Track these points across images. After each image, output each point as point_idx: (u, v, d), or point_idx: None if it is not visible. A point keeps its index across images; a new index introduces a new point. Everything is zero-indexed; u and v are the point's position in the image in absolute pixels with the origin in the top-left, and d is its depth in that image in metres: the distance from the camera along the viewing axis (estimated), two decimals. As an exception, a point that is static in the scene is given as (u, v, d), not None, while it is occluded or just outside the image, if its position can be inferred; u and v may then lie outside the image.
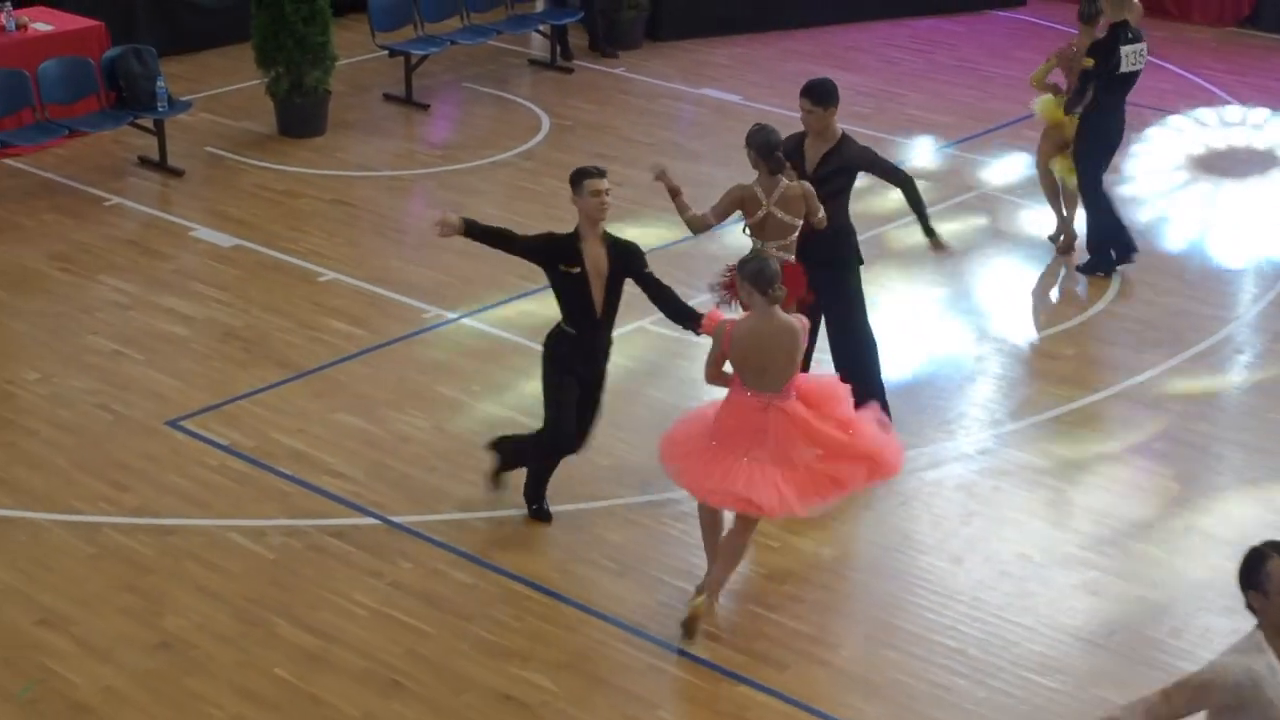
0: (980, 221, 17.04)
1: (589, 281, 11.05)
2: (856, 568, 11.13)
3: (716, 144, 18.51)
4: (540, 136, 19.14)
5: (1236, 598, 10.88)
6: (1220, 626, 10.70)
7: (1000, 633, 10.62)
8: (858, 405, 10.66)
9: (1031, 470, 12.42)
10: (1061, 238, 16.14)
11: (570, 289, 11.16)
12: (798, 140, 12.41)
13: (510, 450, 11.78)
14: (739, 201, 11.94)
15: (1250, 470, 12.64)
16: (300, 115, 18.85)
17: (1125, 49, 14.82)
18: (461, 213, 16.47)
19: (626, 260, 11.11)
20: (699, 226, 11.99)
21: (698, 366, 13.26)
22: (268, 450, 12.41)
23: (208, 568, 11.04)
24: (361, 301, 14.90)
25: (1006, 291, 15.54)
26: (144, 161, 17.96)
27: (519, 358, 13.87)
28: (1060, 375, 13.91)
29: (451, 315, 14.64)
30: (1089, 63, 14.88)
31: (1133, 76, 15.11)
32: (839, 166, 12.28)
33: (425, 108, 20.01)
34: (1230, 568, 11.09)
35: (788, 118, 18.76)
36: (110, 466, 12.18)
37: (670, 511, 11.81)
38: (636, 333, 13.94)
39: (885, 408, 11.30)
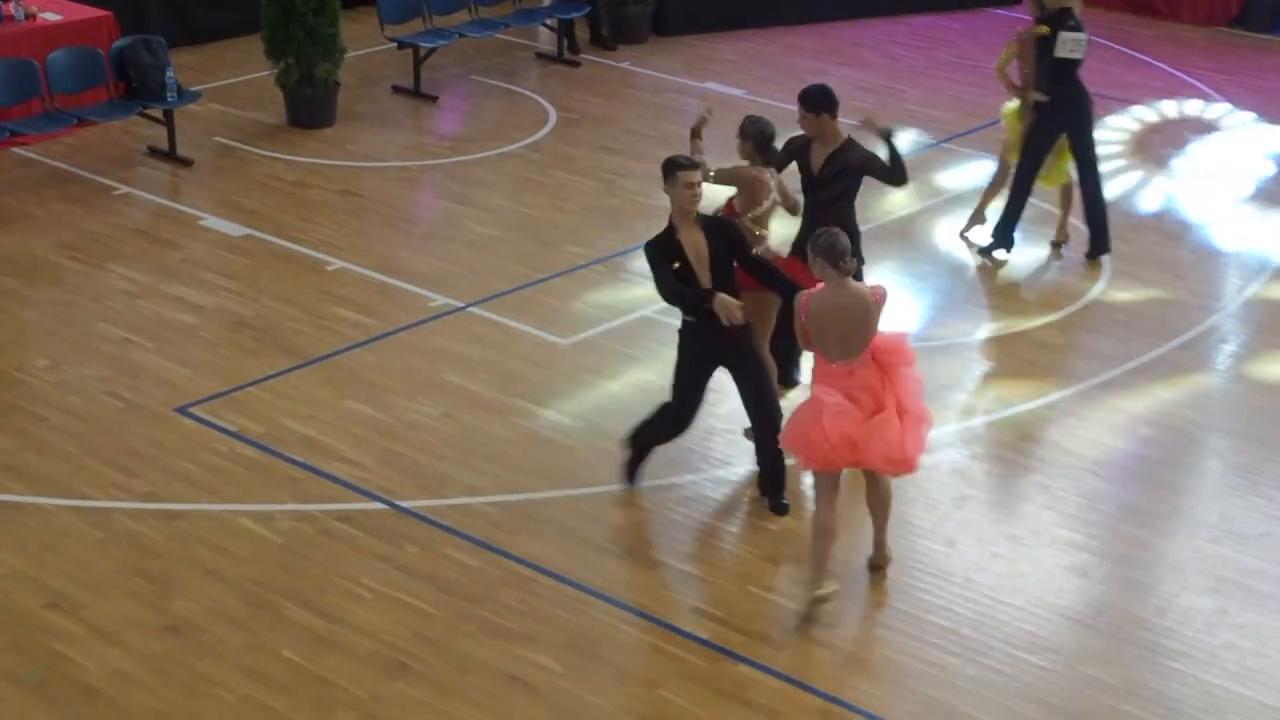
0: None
1: (694, 270, 11.21)
2: (853, 550, 11.30)
3: (721, 137, 18.62)
4: (547, 129, 19.31)
5: (1219, 578, 11.20)
6: (1203, 606, 10.93)
7: (992, 613, 10.83)
8: None
9: (1023, 455, 12.61)
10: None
11: (681, 279, 11.28)
12: (804, 143, 12.61)
13: (642, 443, 12.06)
14: (744, 181, 12.20)
15: (1234, 455, 12.83)
16: (310, 106, 19.03)
17: (1064, 34, 15.09)
18: (470, 203, 16.83)
19: (726, 240, 11.29)
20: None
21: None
22: (277, 436, 12.62)
23: (216, 552, 11.23)
24: (370, 290, 15.10)
25: (1000, 282, 15.72)
26: (153, 151, 18.14)
27: (526, 346, 14.08)
28: (1051, 364, 14.10)
29: (459, 304, 14.83)
30: (1044, 29, 15.19)
31: (1072, 64, 15.40)
32: (842, 168, 12.47)
33: (433, 100, 20.18)
34: (1213, 550, 11.40)
35: (791, 112, 18.98)
36: (120, 452, 12.37)
37: (674, 496, 12.01)
38: (639, 321, 14.15)
39: None
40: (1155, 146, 19.53)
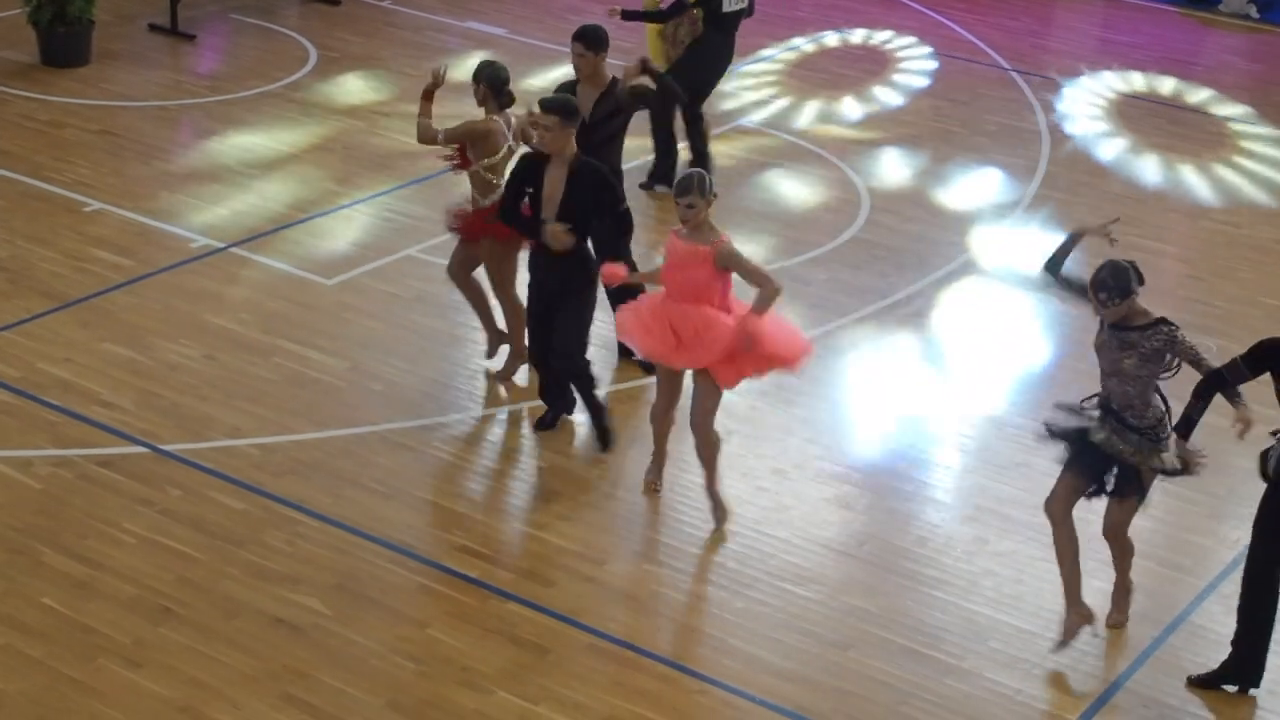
0: (740, 150, 17.35)
1: (541, 203, 11.33)
2: (625, 486, 11.38)
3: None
4: (308, 68, 19.09)
5: (978, 507, 11.44)
6: (962, 535, 11.18)
7: (757, 545, 10.95)
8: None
9: (787, 390, 12.71)
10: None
11: (531, 206, 11.45)
12: (570, 87, 12.58)
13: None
14: (475, 135, 12.20)
15: (1001, 392, 13.06)
16: (63, 45, 18.63)
17: None
18: (230, 143, 16.61)
19: (589, 193, 11.31)
20: (425, 136, 12.34)
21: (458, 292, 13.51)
22: (34, 380, 12.39)
23: (-27, 499, 11.07)
24: (129, 232, 14.86)
25: (763, 220, 15.84)
26: (-97, 92, 17.74)
27: (290, 287, 13.95)
28: (812, 299, 14.22)
29: (220, 245, 14.64)
30: None
31: (735, 16, 15.97)
32: (612, 110, 12.52)
33: (191, 38, 19.85)
34: (971, 480, 11.64)
35: (553, 51, 19.05)
36: (-126, 399, 12.13)
37: (439, 435, 12.00)
38: (403, 260, 14.08)
39: None
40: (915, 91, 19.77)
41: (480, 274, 12.61)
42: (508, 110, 12.31)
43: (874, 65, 20.26)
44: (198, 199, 15.55)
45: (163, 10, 20.04)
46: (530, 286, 11.66)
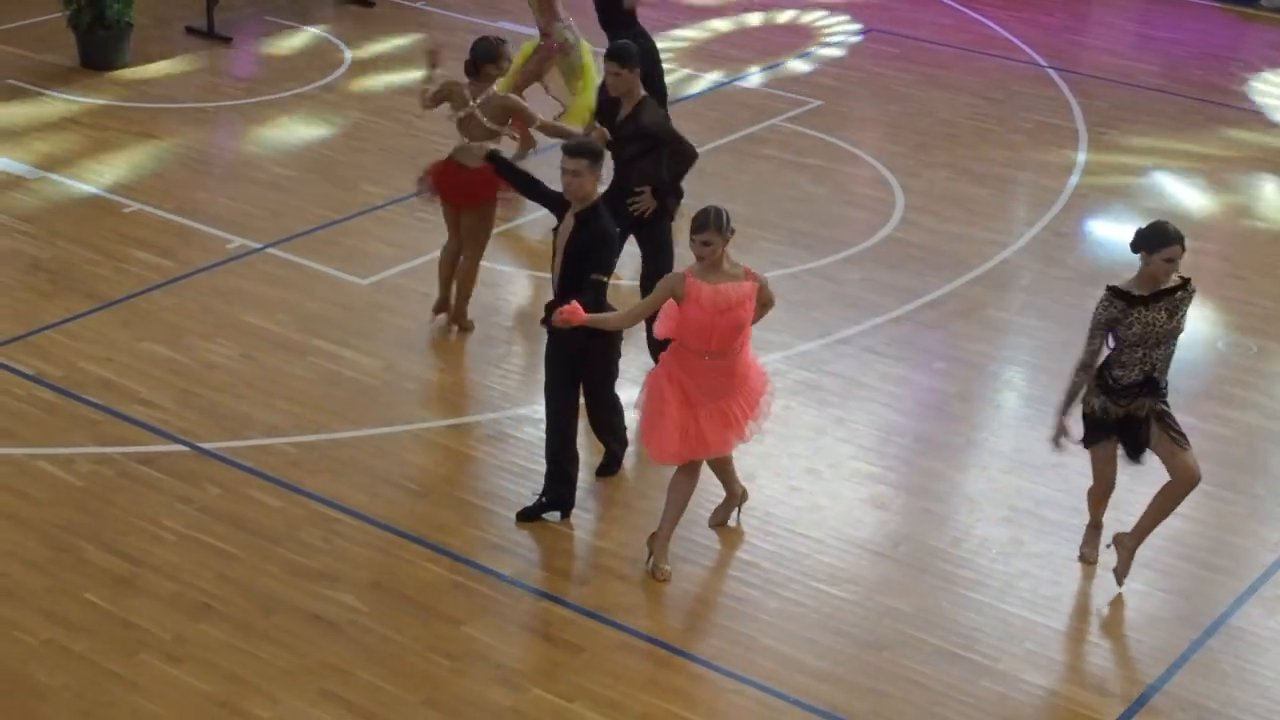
0: (771, 151, 17.38)
1: (555, 250, 10.88)
2: (657, 485, 11.41)
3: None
4: (342, 70, 19.18)
5: (1013, 508, 11.44)
6: (998, 536, 11.17)
7: (791, 545, 10.99)
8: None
9: (820, 390, 12.78)
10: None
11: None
12: (613, 104, 12.50)
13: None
14: (446, 95, 12.86)
15: (1026, 387, 13.10)
16: (102, 48, 18.75)
17: None
18: (266, 145, 16.69)
19: (582, 241, 10.73)
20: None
21: (499, 294, 13.57)
22: (75, 379, 12.48)
23: (16, 496, 11.11)
24: (168, 232, 14.95)
25: (796, 215, 15.87)
26: (-57, 94, 17.86)
27: (326, 287, 14.02)
28: (847, 299, 14.26)
29: (257, 245, 14.73)
30: None
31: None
32: (635, 131, 12.35)
33: (228, 41, 19.96)
34: (1007, 481, 11.64)
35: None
36: (-84, 398, 12.22)
37: (474, 434, 12.05)
38: (434, 263, 14.14)
39: None
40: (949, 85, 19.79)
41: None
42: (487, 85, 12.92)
43: (908, 63, 20.28)
44: (235, 200, 15.63)
45: (199, 13, 20.15)
46: (548, 354, 11.03)
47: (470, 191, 12.92)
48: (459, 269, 13.27)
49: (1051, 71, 20.17)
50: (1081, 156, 17.63)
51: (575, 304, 10.01)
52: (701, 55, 20.25)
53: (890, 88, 19.45)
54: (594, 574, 10.65)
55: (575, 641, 10.03)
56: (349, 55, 19.61)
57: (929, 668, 9.93)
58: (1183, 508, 10.53)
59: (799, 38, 21.02)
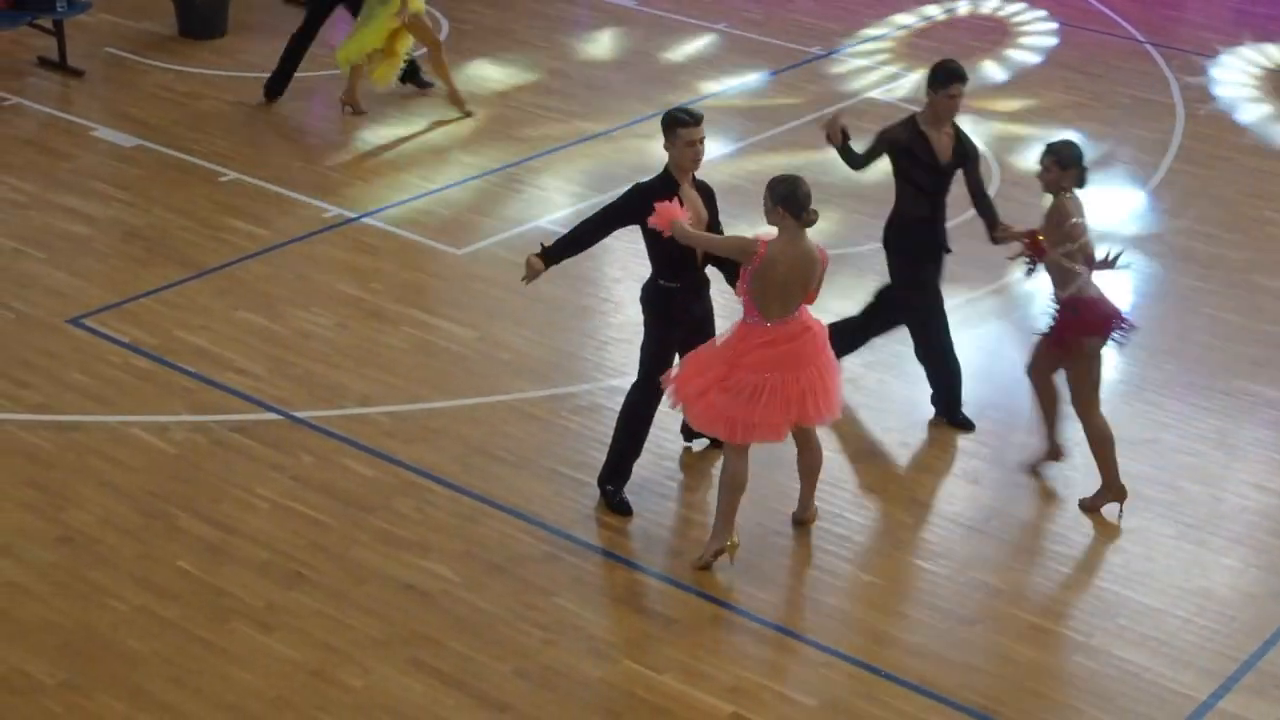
0: (869, 123, 17.29)
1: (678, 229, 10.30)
2: (753, 458, 11.38)
3: (612, 48, 18.70)
4: (440, 38, 19.18)
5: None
6: (1092, 512, 11.12)
7: (884, 520, 10.97)
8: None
9: (914, 364, 12.63)
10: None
11: (670, 240, 10.27)
12: (913, 130, 11.59)
13: (610, 460, 11.10)
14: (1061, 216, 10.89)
15: (1121, 362, 12.95)
16: (201, 16, 18.84)
17: None
18: (361, 114, 16.74)
19: (712, 205, 10.71)
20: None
21: (597, 265, 13.56)
22: (170, 347, 12.56)
23: (110, 463, 11.20)
24: (263, 201, 15.02)
25: (878, 197, 15.75)
26: (43, 62, 17.93)
27: (420, 256, 14.07)
28: (945, 274, 14.11)
29: (353, 214, 14.78)
30: None
31: None
32: (963, 155, 11.68)
33: (326, 9, 20.00)
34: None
35: (679, 23, 19.08)
36: (12, 364, 12.29)
37: (568, 405, 12.06)
38: (533, 231, 14.12)
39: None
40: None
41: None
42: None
43: (1002, 36, 20.12)
44: (331, 169, 15.70)
45: (298, -18, 20.21)
46: (674, 333, 10.79)
47: None
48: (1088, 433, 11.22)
49: (1149, 47, 19.96)
50: (1179, 132, 17.44)
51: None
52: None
53: (985, 60, 19.29)
54: (686, 546, 10.63)
55: (666, 613, 10.03)
56: (446, 25, 19.61)
57: (1021, 643, 9.87)
58: (1275, 484, 10.40)
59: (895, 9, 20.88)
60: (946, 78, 11.44)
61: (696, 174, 10.61)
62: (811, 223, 9.97)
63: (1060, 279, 10.84)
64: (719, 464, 10.90)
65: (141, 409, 11.82)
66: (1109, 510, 11.02)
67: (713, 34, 19.61)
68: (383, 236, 14.42)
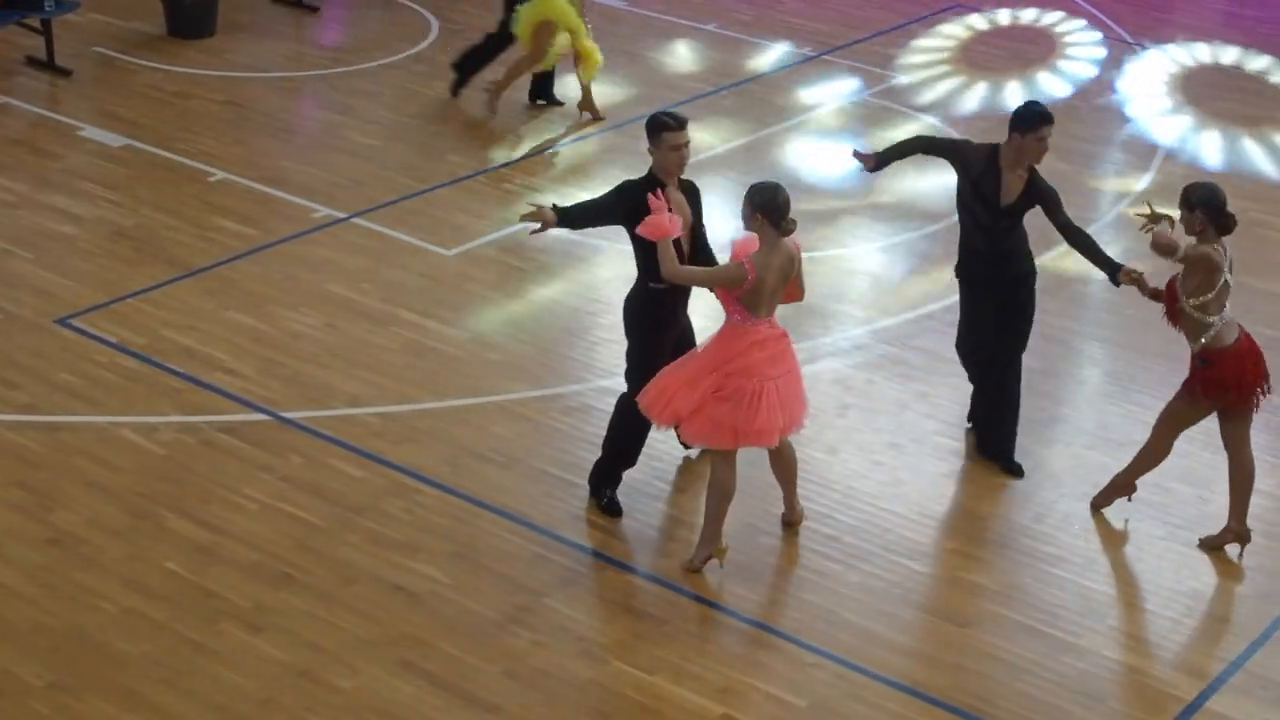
0: (858, 129, 17.30)
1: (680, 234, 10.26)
2: (741, 459, 11.36)
3: (601, 48, 18.61)
4: (429, 40, 19.19)
5: (1095, 484, 11.34)
6: (1080, 512, 11.10)
7: (873, 520, 10.94)
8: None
9: (903, 364, 12.71)
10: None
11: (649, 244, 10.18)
12: (989, 163, 11.20)
13: (603, 466, 11.04)
14: (1201, 264, 10.43)
15: (1110, 363, 13.01)
16: (190, 16, 18.81)
17: None
18: (352, 114, 16.72)
19: (697, 206, 10.60)
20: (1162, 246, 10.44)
21: (587, 266, 13.56)
22: (158, 348, 12.54)
23: (98, 464, 11.18)
24: (252, 201, 15.00)
25: (882, 193, 15.78)
26: (31, 61, 17.89)
27: (409, 257, 14.04)
28: (930, 273, 14.19)
29: (342, 215, 14.76)
30: None
31: None
32: (1032, 200, 11.23)
33: (314, 10, 19.97)
34: (1091, 456, 11.54)
35: (669, 23, 19.05)
36: None
37: (558, 406, 12.05)
38: (523, 231, 14.10)
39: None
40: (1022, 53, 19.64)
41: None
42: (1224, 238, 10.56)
43: (994, 37, 20.12)
44: (320, 169, 15.68)
45: (287, -18, 20.19)
46: (664, 337, 10.75)
47: None
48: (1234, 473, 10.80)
49: (1139, 48, 19.96)
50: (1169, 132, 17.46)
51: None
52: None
53: (974, 62, 19.30)
54: (676, 547, 10.63)
55: (657, 614, 10.03)
56: (436, 25, 19.60)
57: (1010, 643, 9.87)
58: (1264, 485, 10.40)
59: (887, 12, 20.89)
60: (1035, 120, 10.95)
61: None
62: (790, 231, 9.95)
63: (1191, 330, 10.51)
64: (706, 473, 10.94)
65: (130, 409, 11.80)
66: (1231, 550, 10.86)
67: (703, 34, 19.60)
68: (372, 237, 14.41)
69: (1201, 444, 11.56)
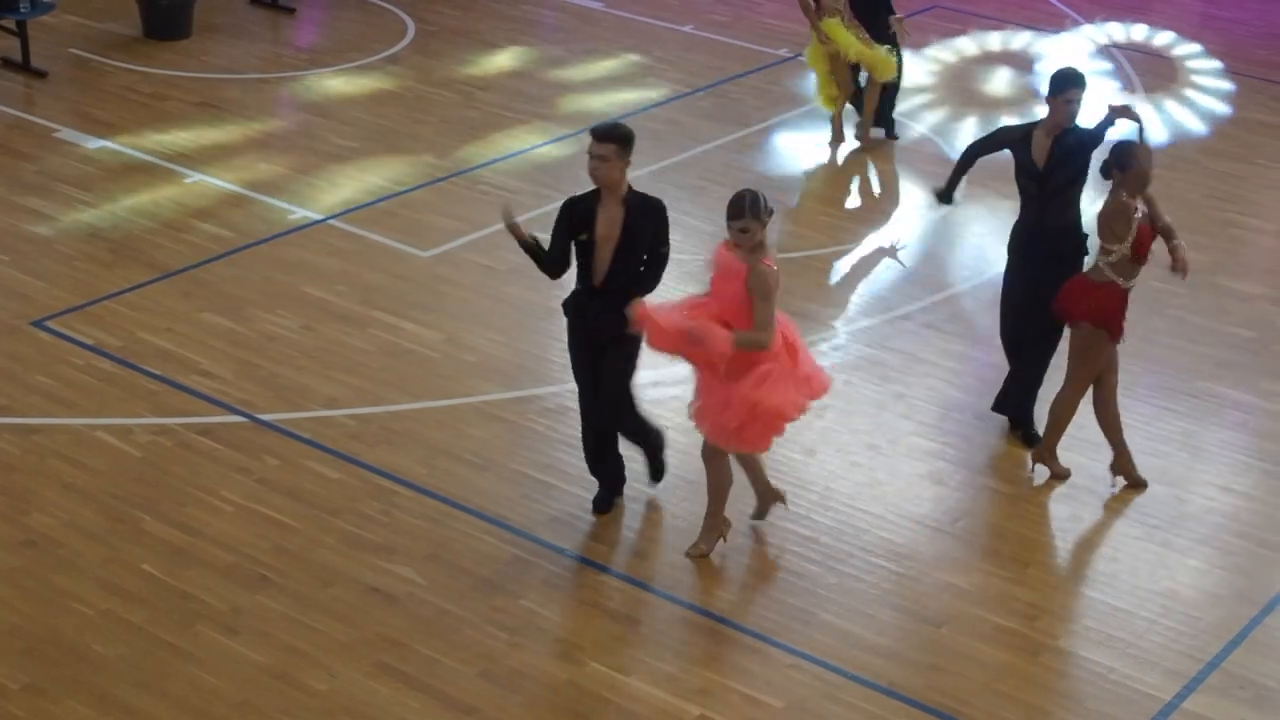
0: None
1: (596, 247, 10.27)
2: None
3: (577, 50, 18.68)
4: (406, 41, 19.17)
5: (1074, 484, 11.36)
6: (1057, 513, 11.11)
7: (850, 521, 10.94)
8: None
9: (882, 365, 12.72)
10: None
11: (580, 251, 10.36)
12: (1026, 130, 11.65)
13: (652, 452, 11.12)
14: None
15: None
16: (165, 17, 18.78)
17: None
18: (328, 115, 16.72)
19: (648, 227, 10.30)
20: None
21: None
22: (134, 350, 12.51)
23: (74, 466, 11.16)
24: (228, 203, 14.98)
25: (856, 194, 15.80)
26: (6, 63, 17.84)
27: (386, 259, 14.03)
28: (908, 275, 14.22)
29: (318, 216, 14.74)
30: None
31: None
32: (1062, 159, 11.52)
33: (291, 11, 19.96)
34: (1066, 457, 11.54)
35: (645, 25, 19.06)
36: (-24, 367, 12.28)
37: (534, 408, 12.03)
38: (499, 234, 14.08)
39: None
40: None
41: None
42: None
43: (971, 38, 20.14)
44: (296, 171, 15.65)
45: (263, -17, 20.17)
46: (574, 333, 10.75)
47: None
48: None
49: (1115, 50, 20.00)
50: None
51: (724, 333, 9.89)
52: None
53: (955, 65, 19.32)
54: (653, 548, 10.64)
55: (633, 615, 10.02)
56: (412, 26, 19.59)
57: (987, 644, 9.88)
58: (1240, 485, 10.42)
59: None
60: (1063, 83, 11.38)
61: (643, 190, 10.47)
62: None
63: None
64: (686, 467, 10.99)
65: (105, 411, 11.78)
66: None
67: (679, 36, 19.61)
68: (348, 238, 14.39)
69: (1180, 444, 11.61)
